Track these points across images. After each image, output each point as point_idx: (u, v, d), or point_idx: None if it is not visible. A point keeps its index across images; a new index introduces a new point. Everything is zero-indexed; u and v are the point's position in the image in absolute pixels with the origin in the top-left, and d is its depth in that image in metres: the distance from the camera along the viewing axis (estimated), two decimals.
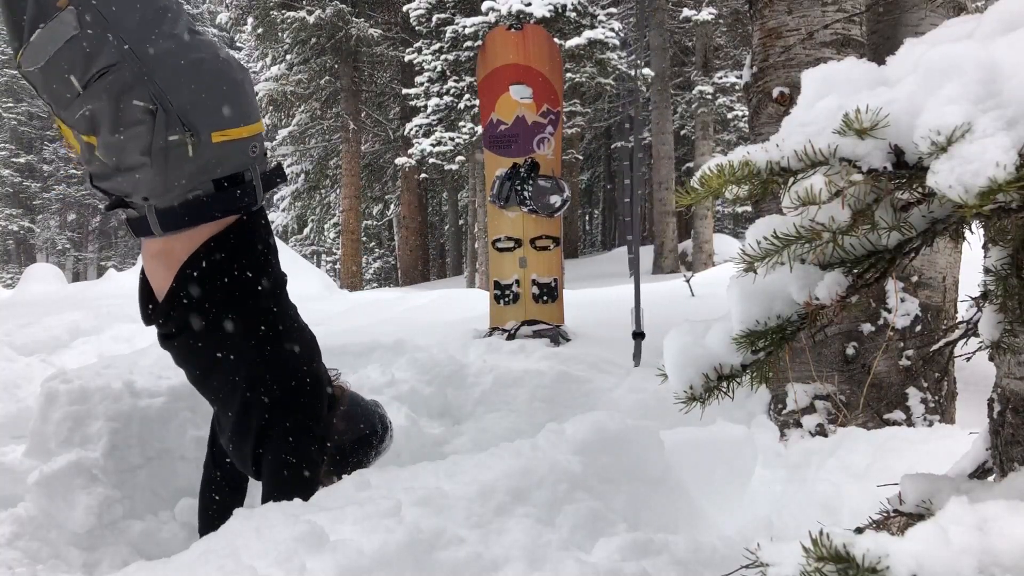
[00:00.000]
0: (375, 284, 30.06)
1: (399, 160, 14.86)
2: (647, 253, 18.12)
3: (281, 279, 2.30)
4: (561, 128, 4.31)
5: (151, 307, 2.24)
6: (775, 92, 3.13)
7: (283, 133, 18.91)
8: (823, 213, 0.89)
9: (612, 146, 24.50)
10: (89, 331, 5.84)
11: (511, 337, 3.97)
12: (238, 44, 22.81)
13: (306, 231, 22.93)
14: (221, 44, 2.34)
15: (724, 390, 0.98)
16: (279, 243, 10.28)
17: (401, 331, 4.78)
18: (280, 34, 15.66)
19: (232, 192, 2.12)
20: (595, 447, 2.05)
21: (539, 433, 2.12)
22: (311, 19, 14.77)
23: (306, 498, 1.92)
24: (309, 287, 11.40)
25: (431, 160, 13.69)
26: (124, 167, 2.06)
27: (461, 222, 23.82)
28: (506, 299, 4.25)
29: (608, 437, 2.09)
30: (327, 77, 16.96)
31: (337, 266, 24.14)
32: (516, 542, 1.73)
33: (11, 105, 37.11)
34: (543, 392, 3.39)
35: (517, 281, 4.24)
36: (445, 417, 3.44)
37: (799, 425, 2.84)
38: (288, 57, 17.63)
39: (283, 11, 15.05)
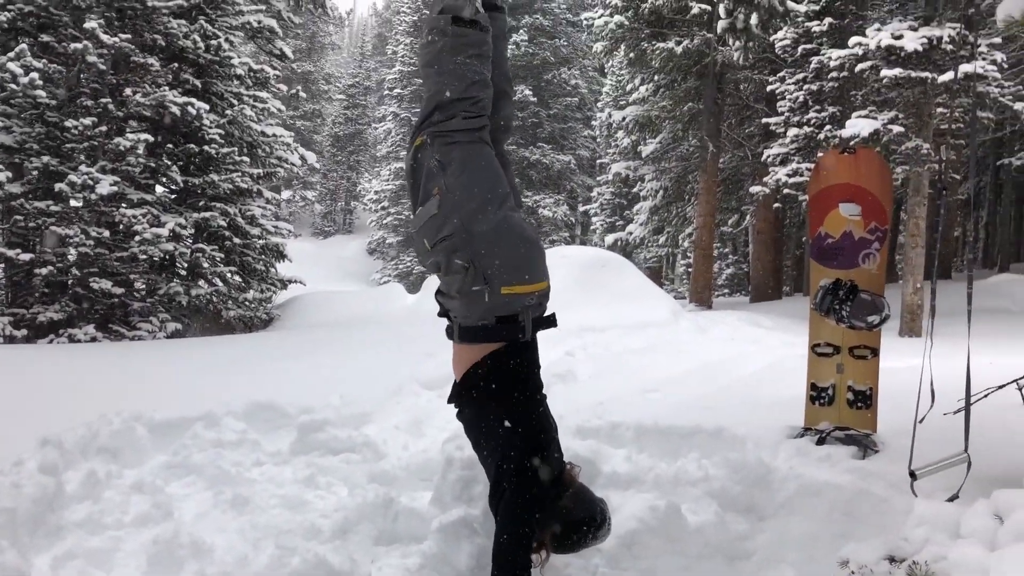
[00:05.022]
0: (727, 291, 30.26)
1: (754, 188, 15.13)
2: None
3: (535, 388, 3.10)
4: (887, 245, 4.58)
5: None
6: None
7: (646, 151, 19.96)
8: None
9: (999, 163, 22.27)
10: None
11: (821, 441, 4.38)
12: (607, 70, 24.34)
13: (662, 239, 23.86)
14: (528, 225, 3.19)
15: None
16: (627, 262, 11.56)
17: (726, 410, 5.36)
18: (650, 62, 16.64)
19: (507, 327, 3.00)
20: None
21: None
22: (679, 49, 15.53)
23: (519, 546, 2.83)
24: (656, 313, 12.22)
25: (786, 190, 13.79)
26: (449, 296, 3.11)
27: None
28: (821, 400, 4.65)
29: None
30: (689, 104, 17.65)
31: (690, 270, 24.76)
32: None
33: (418, 110, 42.52)
34: (842, 506, 3.79)
35: (833, 385, 4.61)
36: (750, 513, 3.97)
37: None
38: (656, 78, 18.59)
39: (653, 42, 15.99)
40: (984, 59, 11.34)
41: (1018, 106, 11.90)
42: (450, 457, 4.06)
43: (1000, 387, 4.19)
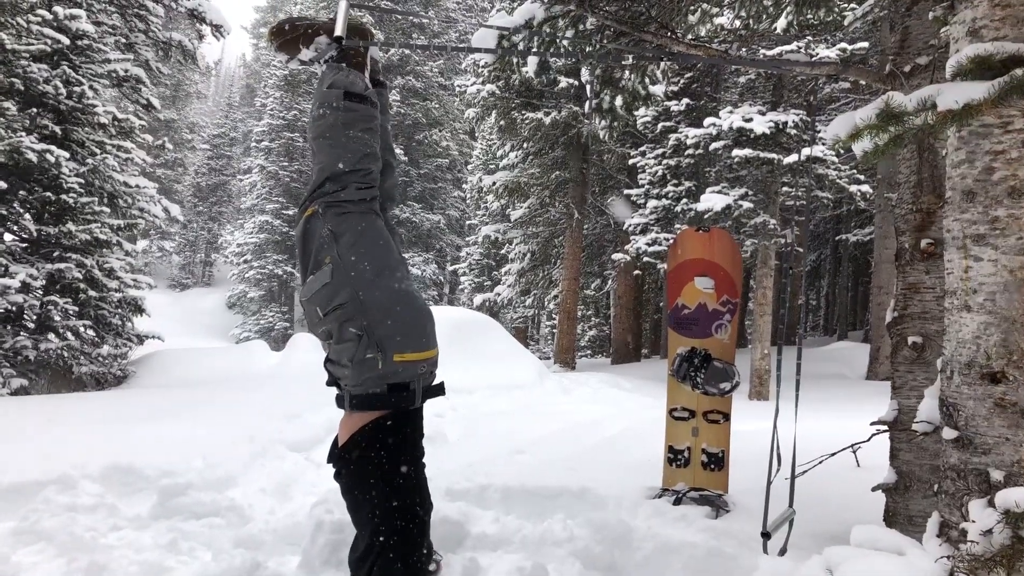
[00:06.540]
0: (589, 352, 31.03)
1: (616, 256, 15.83)
2: (862, 353, 17.73)
3: (419, 456, 3.19)
4: (737, 317, 4.96)
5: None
6: (910, 341, 3.65)
7: (515, 215, 20.53)
8: None
9: (837, 238, 24.10)
10: None
11: (678, 502, 4.64)
12: (477, 134, 25.08)
13: (529, 301, 24.39)
14: (419, 293, 3.26)
15: None
16: (495, 323, 11.69)
17: (590, 471, 5.58)
18: (520, 131, 17.27)
19: (398, 394, 3.04)
20: None
21: None
22: (547, 120, 16.20)
23: None
24: (523, 374, 12.49)
25: (645, 258, 14.48)
26: (340, 364, 3.08)
27: None
28: (678, 462, 4.93)
29: None
30: (557, 172, 18.37)
31: (555, 331, 25.36)
32: None
33: (286, 164, 42.12)
34: (695, 564, 4.04)
35: (688, 448, 4.91)
36: (612, 572, 4.15)
37: None
38: (526, 145, 19.27)
39: (523, 112, 16.62)
40: (823, 144, 12.38)
41: (852, 188, 13.03)
42: (319, 521, 4.08)
43: (832, 455, 4.58)
